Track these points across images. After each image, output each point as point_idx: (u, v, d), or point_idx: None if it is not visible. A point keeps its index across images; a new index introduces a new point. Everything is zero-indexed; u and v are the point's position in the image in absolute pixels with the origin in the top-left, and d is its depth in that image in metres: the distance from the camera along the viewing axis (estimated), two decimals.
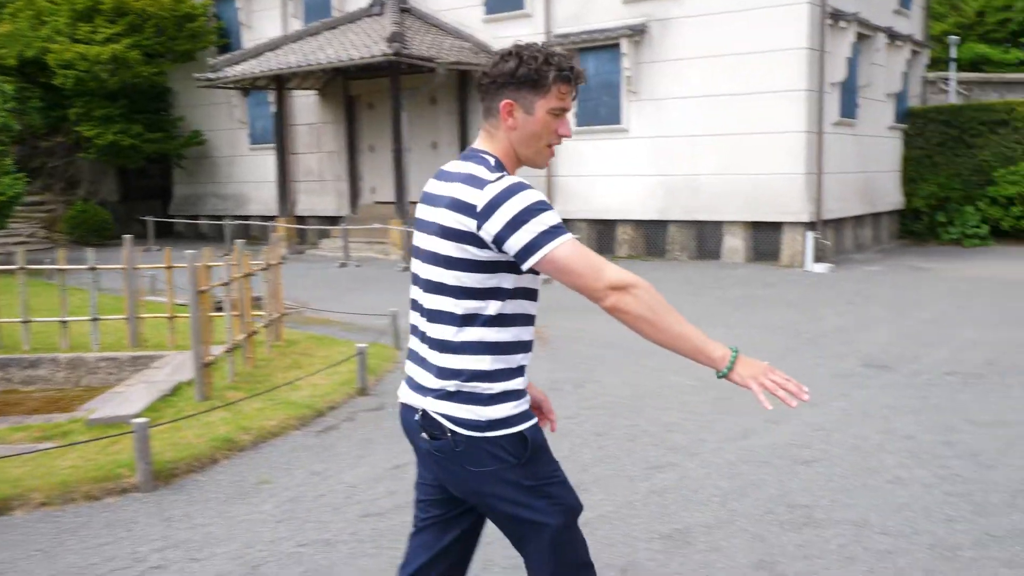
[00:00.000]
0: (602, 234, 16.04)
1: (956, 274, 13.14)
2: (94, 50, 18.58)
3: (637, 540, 4.05)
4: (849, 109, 15.10)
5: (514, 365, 2.35)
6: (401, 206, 16.06)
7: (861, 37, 15.13)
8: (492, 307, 2.29)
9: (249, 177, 20.84)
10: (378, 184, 18.52)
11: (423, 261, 2.37)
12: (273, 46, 17.60)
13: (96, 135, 19.60)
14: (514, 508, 2.36)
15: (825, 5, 13.70)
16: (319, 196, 19.68)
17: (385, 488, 4.84)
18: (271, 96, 18.70)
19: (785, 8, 13.57)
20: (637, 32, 14.79)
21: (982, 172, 16.76)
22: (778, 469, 4.93)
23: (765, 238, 14.54)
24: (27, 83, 20.99)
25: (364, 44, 15.56)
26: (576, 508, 2.45)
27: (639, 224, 15.58)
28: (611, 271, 2.17)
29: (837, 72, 14.27)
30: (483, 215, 2.20)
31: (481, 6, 16.83)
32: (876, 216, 16.82)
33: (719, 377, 2.22)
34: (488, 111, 2.35)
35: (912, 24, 17.90)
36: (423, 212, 2.40)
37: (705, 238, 15.08)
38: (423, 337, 2.40)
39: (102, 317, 8.19)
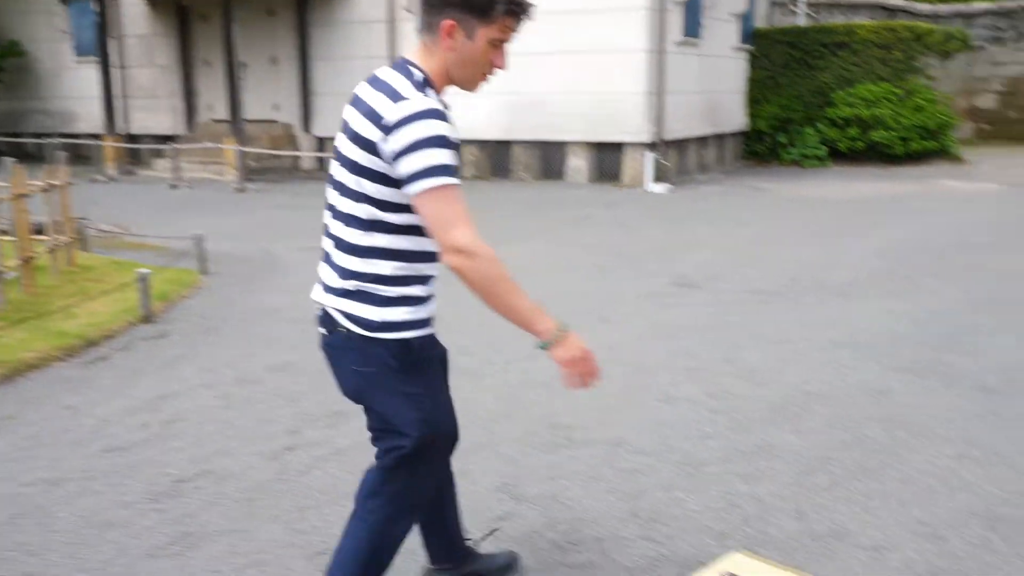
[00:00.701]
0: None
1: (790, 194, 13.52)
2: None
3: None
4: (693, 28, 15.12)
5: (416, 273, 2.39)
6: (236, 125, 15.37)
7: None
8: (395, 217, 2.31)
9: (76, 92, 19.50)
10: (215, 101, 17.61)
11: (340, 164, 2.37)
12: None
13: None
14: (387, 415, 2.44)
15: None
16: (154, 113, 18.62)
17: (139, 421, 4.57)
18: (95, 4, 17.45)
19: None
20: None
21: (822, 94, 17.19)
22: (551, 390, 4.88)
23: (608, 158, 14.58)
24: None
25: None
26: (445, 432, 2.54)
27: (484, 145, 15.36)
28: (459, 233, 2.19)
29: None
30: (389, 130, 2.20)
31: None
32: (721, 137, 17.09)
33: (537, 347, 2.35)
34: (428, 26, 2.30)
35: None
36: (347, 114, 2.38)
37: (550, 158, 15.01)
38: (332, 238, 2.42)
39: None
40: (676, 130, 14.76)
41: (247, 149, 14.90)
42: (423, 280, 2.42)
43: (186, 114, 18.10)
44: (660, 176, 14.00)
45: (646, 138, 13.94)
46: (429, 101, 2.21)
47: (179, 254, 8.18)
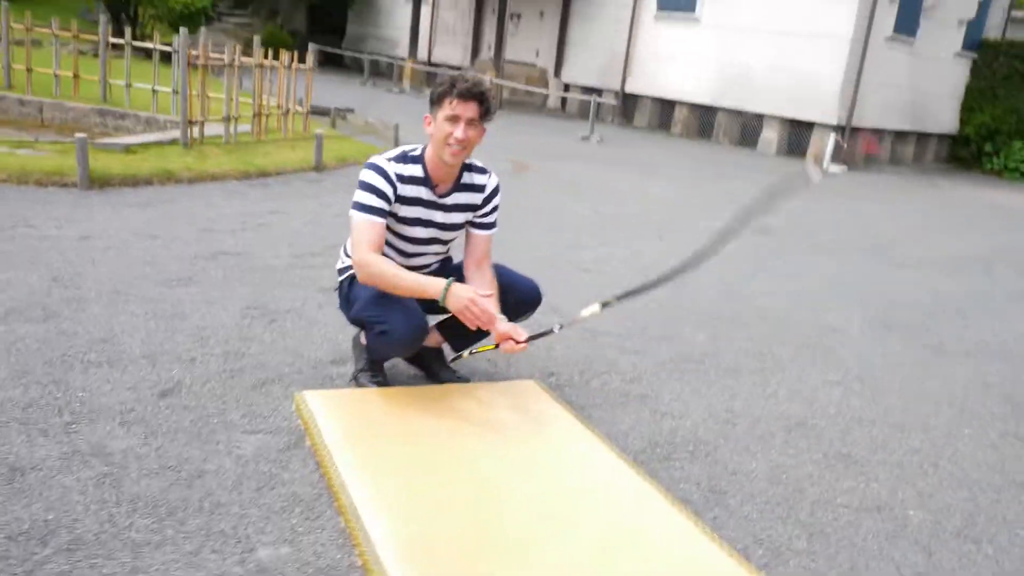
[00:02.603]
0: (663, 111, 15.44)
1: (960, 194, 11.97)
2: None
3: None
4: (908, 26, 13.53)
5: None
6: (497, 61, 15.97)
7: None
8: None
9: (401, 24, 20.96)
10: (492, 42, 18.31)
11: None
12: None
13: None
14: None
15: None
16: (451, 48, 19.68)
17: (241, 220, 5.21)
18: None
19: None
20: None
21: None
22: (561, 274, 4.98)
23: (797, 134, 13.62)
24: None
25: None
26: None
27: (694, 107, 14.86)
28: (357, 252, 2.64)
29: None
30: None
31: None
32: (924, 136, 15.30)
33: (440, 305, 2.58)
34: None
35: None
36: None
37: (747, 127, 14.27)
38: None
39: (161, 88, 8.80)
40: (870, 119, 13.45)
41: (500, 81, 15.47)
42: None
43: (472, 50, 18.97)
44: (841, 158, 12.89)
45: (834, 120, 12.85)
46: (381, 162, 2.70)
47: (383, 137, 8.86)
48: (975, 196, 11.93)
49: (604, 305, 2.69)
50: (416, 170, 2.75)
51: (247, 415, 2.68)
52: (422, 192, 2.77)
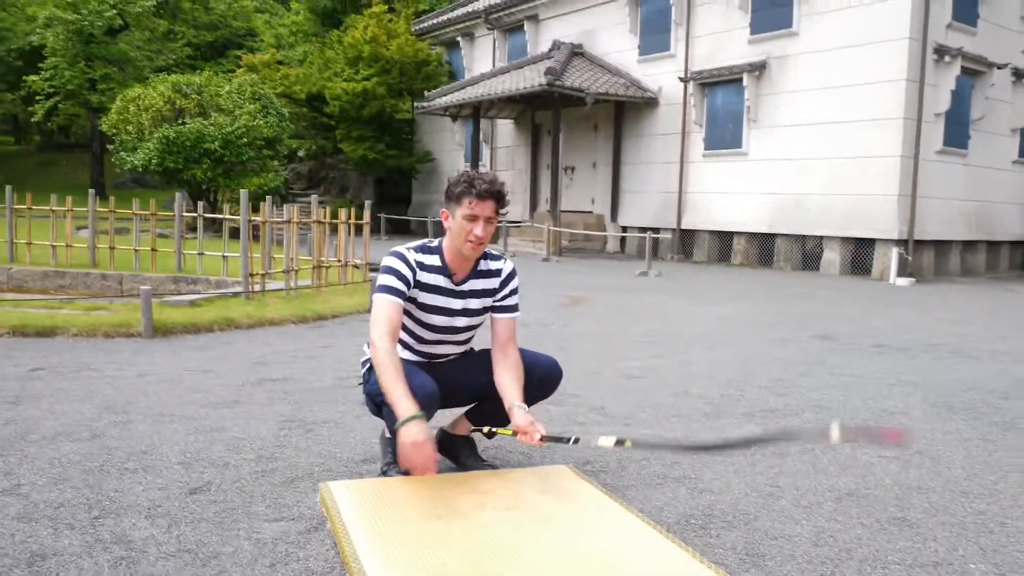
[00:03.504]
0: (721, 243, 15.58)
1: None
2: (351, 86, 20.77)
3: None
4: (958, 139, 13.61)
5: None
6: (553, 212, 16.57)
7: (973, 72, 13.60)
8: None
9: None
10: (550, 196, 19.08)
11: None
12: (472, 83, 18.75)
13: (352, 150, 21.82)
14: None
15: (927, 41, 12.53)
16: (511, 205, 20.58)
17: (293, 354, 5.41)
18: (483, 123, 19.85)
19: (886, 44, 12.57)
20: (758, 68, 14.29)
21: None
22: (608, 381, 4.96)
23: (859, 252, 13.48)
24: (314, 112, 23.80)
25: (531, 78, 16.26)
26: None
27: (752, 236, 14.97)
28: (373, 332, 2.69)
29: (940, 103, 12.95)
30: None
31: (635, 49, 16.96)
32: (994, 244, 14.95)
33: (396, 427, 2.54)
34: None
35: None
36: None
37: (808, 250, 14.22)
38: None
39: (230, 254, 9.43)
40: (932, 232, 13.27)
41: (557, 229, 15.97)
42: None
43: (530, 205, 19.77)
44: (909, 271, 12.64)
45: (895, 236, 12.71)
46: (402, 250, 2.84)
47: None
48: None
49: (618, 443, 2.70)
50: (434, 260, 2.89)
51: (272, 506, 2.71)
52: (440, 280, 2.89)
